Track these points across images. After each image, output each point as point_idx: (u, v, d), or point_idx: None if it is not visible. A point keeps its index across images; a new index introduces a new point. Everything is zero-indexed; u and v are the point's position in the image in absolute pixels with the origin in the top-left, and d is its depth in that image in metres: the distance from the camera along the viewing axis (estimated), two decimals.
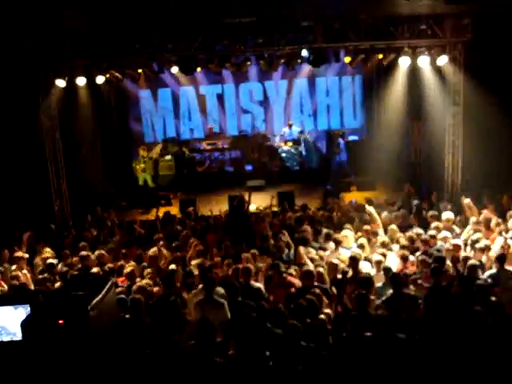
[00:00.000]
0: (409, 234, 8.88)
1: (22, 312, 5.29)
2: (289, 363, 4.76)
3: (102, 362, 4.90)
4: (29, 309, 5.27)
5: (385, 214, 10.21)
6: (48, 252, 8.97)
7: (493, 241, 8.15)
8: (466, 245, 8.21)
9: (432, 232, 8.51)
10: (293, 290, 6.69)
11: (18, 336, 5.12)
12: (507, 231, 8.56)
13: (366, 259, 7.83)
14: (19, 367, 4.85)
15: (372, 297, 6.46)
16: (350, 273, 7.10)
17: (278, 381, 4.70)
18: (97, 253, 8.59)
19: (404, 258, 7.60)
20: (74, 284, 5.77)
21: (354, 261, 7.31)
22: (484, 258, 7.58)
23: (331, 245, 8.55)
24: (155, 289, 7.03)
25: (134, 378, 4.86)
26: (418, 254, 7.88)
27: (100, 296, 5.13)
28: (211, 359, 4.83)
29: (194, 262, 7.89)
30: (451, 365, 4.74)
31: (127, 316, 6.05)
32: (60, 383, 4.72)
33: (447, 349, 4.84)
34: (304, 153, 15.94)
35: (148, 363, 4.94)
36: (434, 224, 9.01)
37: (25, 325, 4.90)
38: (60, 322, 4.78)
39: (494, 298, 6.11)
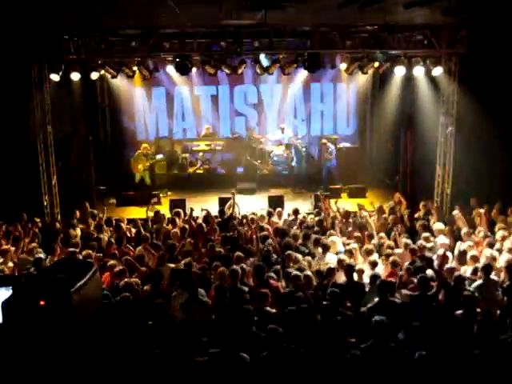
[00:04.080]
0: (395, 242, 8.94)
1: (3, 294, 5.24)
2: (270, 364, 4.78)
3: (82, 345, 4.86)
4: (11, 291, 5.21)
5: (374, 221, 10.24)
6: (35, 246, 8.88)
7: (481, 252, 8.21)
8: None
9: (421, 242, 8.55)
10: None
11: None
12: (494, 243, 8.61)
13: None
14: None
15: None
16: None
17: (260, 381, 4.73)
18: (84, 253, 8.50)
19: (394, 265, 7.62)
20: (58, 268, 5.68)
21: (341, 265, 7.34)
22: (471, 269, 7.63)
23: (320, 250, 8.56)
24: (144, 287, 7.00)
25: (115, 366, 4.83)
26: (405, 263, 7.89)
27: (83, 280, 5.10)
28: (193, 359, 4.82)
29: (182, 262, 7.87)
30: (436, 372, 4.76)
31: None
32: (40, 364, 4.68)
33: (431, 356, 4.86)
34: (295, 159, 15.94)
35: (130, 359, 4.91)
36: (423, 234, 9.05)
37: (5, 305, 4.84)
38: (41, 302, 4.73)
39: (478, 310, 6.16)
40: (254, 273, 7.31)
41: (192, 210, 10.83)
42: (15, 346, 4.72)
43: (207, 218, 10.49)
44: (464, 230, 9.05)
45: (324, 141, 15.38)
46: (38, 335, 4.70)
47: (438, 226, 9.38)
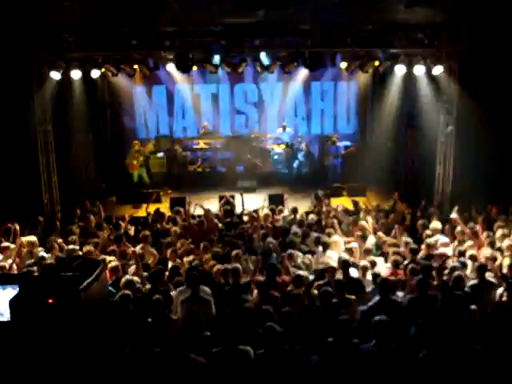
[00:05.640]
0: (395, 241, 8.93)
1: (10, 292, 5.23)
2: (271, 362, 4.78)
3: (89, 342, 4.87)
4: (18, 289, 5.21)
5: (372, 220, 10.22)
6: (35, 244, 8.86)
7: (480, 252, 8.20)
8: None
9: (429, 241, 8.55)
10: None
11: (6, 316, 5.05)
12: (494, 243, 8.61)
13: (354, 264, 7.83)
14: (7, 347, 4.80)
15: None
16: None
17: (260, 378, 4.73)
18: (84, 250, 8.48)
19: (395, 265, 7.60)
20: (65, 265, 5.67)
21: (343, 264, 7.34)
22: (469, 269, 7.63)
23: (320, 249, 8.56)
24: (142, 285, 7.00)
25: (118, 365, 4.84)
26: (405, 262, 7.88)
27: (91, 278, 5.10)
28: (192, 356, 4.82)
29: (185, 260, 7.88)
30: (434, 371, 4.77)
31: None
32: (47, 362, 4.68)
33: (430, 356, 4.87)
34: (295, 157, 15.96)
35: (130, 357, 4.92)
36: (425, 234, 9.06)
37: (13, 303, 4.83)
38: (50, 300, 4.72)
39: (474, 307, 6.15)
40: (266, 271, 7.30)
41: (193, 208, 10.87)
42: (23, 343, 4.73)
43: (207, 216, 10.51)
44: (458, 228, 9.02)
45: (334, 138, 15.45)
46: (45, 333, 4.70)
47: (435, 224, 9.37)
